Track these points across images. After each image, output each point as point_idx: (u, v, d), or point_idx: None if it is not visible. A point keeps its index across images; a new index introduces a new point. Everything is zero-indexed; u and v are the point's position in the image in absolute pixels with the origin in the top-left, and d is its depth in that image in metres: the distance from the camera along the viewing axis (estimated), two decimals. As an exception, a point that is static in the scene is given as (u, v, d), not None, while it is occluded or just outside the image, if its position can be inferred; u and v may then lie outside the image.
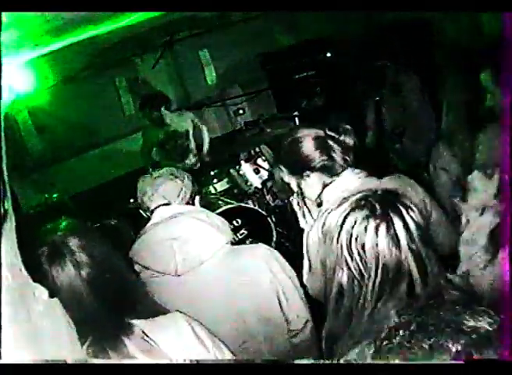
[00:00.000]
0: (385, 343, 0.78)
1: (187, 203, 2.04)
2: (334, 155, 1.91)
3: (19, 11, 1.19)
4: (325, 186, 1.93)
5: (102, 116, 5.81)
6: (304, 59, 5.92)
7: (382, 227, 1.18)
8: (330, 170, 1.92)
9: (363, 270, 1.18)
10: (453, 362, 0.72)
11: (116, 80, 6.14)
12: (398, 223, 1.18)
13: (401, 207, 1.21)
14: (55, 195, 4.56)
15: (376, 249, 1.17)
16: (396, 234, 1.17)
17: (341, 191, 1.88)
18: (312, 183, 1.94)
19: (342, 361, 1.12)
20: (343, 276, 1.21)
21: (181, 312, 1.56)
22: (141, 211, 2.11)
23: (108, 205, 4.45)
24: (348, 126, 1.94)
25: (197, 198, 2.10)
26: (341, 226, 1.22)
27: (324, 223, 1.28)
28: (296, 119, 4.38)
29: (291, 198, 2.14)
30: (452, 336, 0.75)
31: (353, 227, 1.20)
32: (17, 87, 3.19)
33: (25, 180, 5.08)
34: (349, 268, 1.20)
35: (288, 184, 2.04)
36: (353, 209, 1.23)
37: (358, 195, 1.26)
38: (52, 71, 4.14)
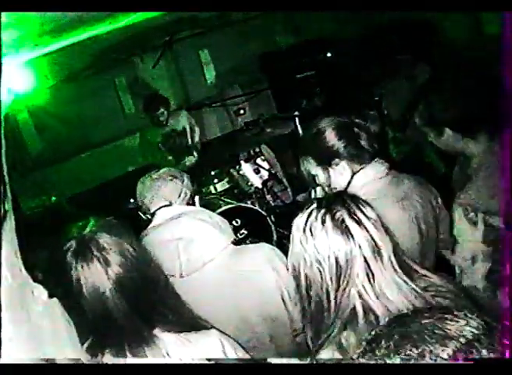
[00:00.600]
0: (368, 356, 0.77)
1: (188, 203, 2.04)
2: (361, 142, 1.92)
3: (19, 11, 1.19)
4: (354, 173, 1.94)
5: (102, 115, 5.81)
6: (304, 59, 5.91)
7: (328, 216, 1.28)
8: (359, 158, 1.93)
9: (317, 255, 1.27)
10: (453, 362, 0.72)
11: (116, 80, 6.13)
12: (344, 213, 1.27)
13: (348, 200, 1.31)
14: (53, 198, 4.55)
15: (325, 235, 1.27)
16: (343, 222, 1.26)
17: (371, 178, 1.90)
18: (342, 170, 1.94)
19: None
20: (305, 267, 1.29)
21: (218, 330, 1.52)
22: (140, 213, 2.10)
23: (107, 206, 4.44)
24: (374, 113, 1.93)
25: (197, 198, 2.09)
26: (297, 227, 1.34)
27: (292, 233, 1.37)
28: (297, 119, 4.37)
29: (313, 190, 2.13)
30: (439, 342, 0.74)
31: (306, 223, 1.31)
32: (17, 87, 3.18)
33: (25, 180, 5.07)
34: (309, 256, 1.28)
35: (314, 176, 2.03)
36: (306, 210, 1.34)
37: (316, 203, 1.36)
38: (52, 71, 4.13)
